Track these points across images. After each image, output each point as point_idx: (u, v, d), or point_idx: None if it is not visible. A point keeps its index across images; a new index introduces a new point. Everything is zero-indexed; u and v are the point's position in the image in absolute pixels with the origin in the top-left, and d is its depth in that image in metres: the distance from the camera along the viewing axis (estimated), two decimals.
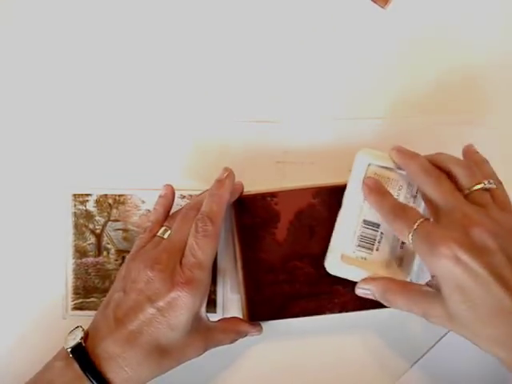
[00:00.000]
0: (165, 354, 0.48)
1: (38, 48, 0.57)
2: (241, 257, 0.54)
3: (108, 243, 0.57)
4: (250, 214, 0.54)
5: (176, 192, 0.55)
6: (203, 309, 0.50)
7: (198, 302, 0.48)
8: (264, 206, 0.54)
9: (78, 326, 0.49)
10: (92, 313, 0.56)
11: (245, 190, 0.55)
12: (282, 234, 0.54)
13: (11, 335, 0.57)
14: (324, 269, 0.53)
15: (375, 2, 0.57)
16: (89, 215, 0.57)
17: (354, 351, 0.57)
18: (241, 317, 0.55)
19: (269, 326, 0.56)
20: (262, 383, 0.57)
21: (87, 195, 0.57)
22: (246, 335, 0.54)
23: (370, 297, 0.51)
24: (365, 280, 0.51)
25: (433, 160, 0.50)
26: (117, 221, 0.57)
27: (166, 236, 0.51)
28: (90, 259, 0.57)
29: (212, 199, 0.50)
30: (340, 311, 0.54)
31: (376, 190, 0.51)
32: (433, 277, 0.47)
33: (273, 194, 0.54)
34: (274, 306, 0.54)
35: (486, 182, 0.48)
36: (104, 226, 0.57)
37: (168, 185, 0.54)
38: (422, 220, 0.47)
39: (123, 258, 0.56)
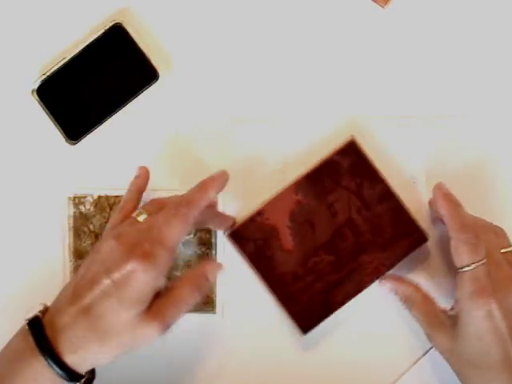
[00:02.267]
0: (110, 334, 0.45)
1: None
2: (264, 282, 0.54)
3: None
4: (249, 241, 0.54)
5: (176, 193, 0.55)
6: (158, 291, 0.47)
7: (152, 281, 0.45)
8: (257, 227, 0.54)
9: (41, 304, 0.48)
10: None
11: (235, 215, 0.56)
12: (287, 242, 0.54)
13: (11, 336, 0.56)
14: (342, 250, 0.54)
15: (375, 2, 0.56)
16: (87, 216, 0.56)
17: (353, 350, 0.56)
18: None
19: (269, 326, 0.56)
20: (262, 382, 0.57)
21: (85, 196, 0.56)
22: (207, 279, 0.49)
23: (390, 293, 0.54)
24: (396, 279, 0.54)
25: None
26: None
27: (140, 219, 0.48)
28: None
29: (197, 188, 0.49)
30: (378, 277, 0.54)
31: (451, 198, 0.51)
32: (456, 302, 0.50)
33: (259, 212, 0.54)
34: (318, 307, 0.54)
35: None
36: (102, 227, 0.56)
37: (143, 166, 0.53)
38: (484, 261, 0.49)
39: None
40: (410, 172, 0.57)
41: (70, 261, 0.56)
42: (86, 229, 0.56)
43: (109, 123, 0.56)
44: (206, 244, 0.56)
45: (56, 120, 0.55)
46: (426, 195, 0.56)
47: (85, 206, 0.56)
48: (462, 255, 0.49)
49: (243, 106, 0.57)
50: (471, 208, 0.56)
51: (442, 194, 0.51)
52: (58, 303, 0.47)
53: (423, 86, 0.57)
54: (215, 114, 0.57)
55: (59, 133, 0.55)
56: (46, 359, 0.44)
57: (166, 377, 0.57)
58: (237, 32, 0.57)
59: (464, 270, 0.49)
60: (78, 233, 0.56)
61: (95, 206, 0.56)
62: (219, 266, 0.51)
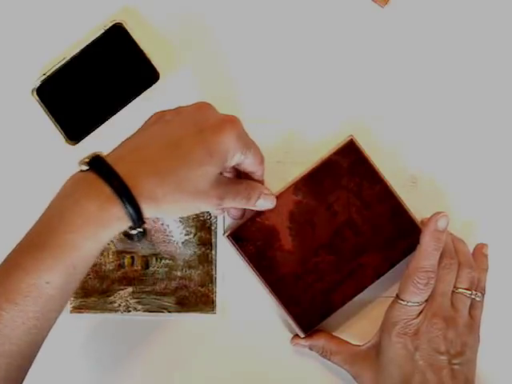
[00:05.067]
0: (189, 182, 0.44)
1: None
2: (265, 283, 0.54)
3: (107, 243, 0.56)
4: (250, 243, 0.54)
5: None
6: None
7: (235, 146, 0.46)
8: (257, 228, 0.54)
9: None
10: (91, 314, 0.56)
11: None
12: (288, 243, 0.54)
13: None
14: (342, 250, 0.54)
15: (375, 2, 0.57)
16: None
17: None
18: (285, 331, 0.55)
19: (269, 326, 0.56)
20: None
21: None
22: (258, 197, 0.51)
23: (307, 349, 0.55)
24: (305, 337, 0.55)
25: (454, 243, 0.53)
26: None
27: None
28: None
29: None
30: (378, 277, 0.54)
31: (436, 237, 0.51)
32: (382, 323, 0.52)
33: (259, 213, 0.54)
34: (319, 307, 0.54)
35: (474, 293, 0.52)
36: None
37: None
38: (422, 304, 0.50)
39: (122, 258, 0.56)
40: (409, 172, 0.57)
41: None
42: None
43: (109, 123, 0.56)
44: (206, 244, 0.56)
45: (56, 120, 0.55)
46: (425, 195, 0.56)
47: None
48: (405, 291, 0.50)
49: (244, 106, 0.57)
50: (471, 206, 0.56)
51: (432, 230, 0.51)
52: (124, 151, 0.44)
53: (423, 85, 0.57)
54: None
55: (59, 133, 0.55)
56: (122, 200, 0.41)
57: (166, 377, 0.57)
58: (237, 32, 0.57)
59: (399, 301, 0.51)
60: None
61: None
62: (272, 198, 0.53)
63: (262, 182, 0.53)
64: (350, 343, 0.55)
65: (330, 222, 0.54)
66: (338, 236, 0.54)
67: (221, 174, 0.48)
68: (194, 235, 0.56)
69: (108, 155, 0.44)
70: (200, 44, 0.57)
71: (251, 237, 0.54)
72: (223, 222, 0.56)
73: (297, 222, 0.54)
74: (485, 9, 0.57)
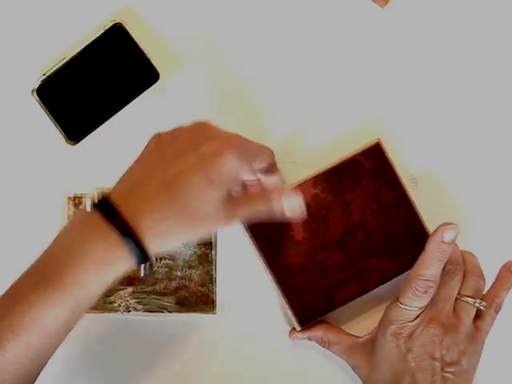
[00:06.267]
0: (193, 214, 0.43)
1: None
2: (270, 270, 0.54)
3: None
4: (262, 226, 0.54)
5: None
6: None
7: (237, 167, 0.44)
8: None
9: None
10: (91, 314, 0.56)
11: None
12: (298, 234, 0.54)
13: None
14: (352, 250, 0.54)
15: (375, 2, 0.57)
16: None
17: None
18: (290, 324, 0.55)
19: (269, 326, 0.56)
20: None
21: (83, 196, 0.56)
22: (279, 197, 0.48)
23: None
24: (302, 329, 0.55)
25: (463, 255, 0.53)
26: None
27: None
28: None
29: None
30: (383, 282, 0.54)
31: (440, 248, 0.50)
32: (380, 321, 0.52)
33: None
34: (319, 303, 0.54)
35: (478, 302, 0.51)
36: None
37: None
38: (422, 309, 0.50)
39: None
40: (410, 172, 0.57)
41: None
42: None
43: (109, 123, 0.56)
44: (206, 244, 0.56)
45: (56, 120, 0.55)
46: (426, 195, 0.56)
47: (84, 207, 0.56)
48: (404, 295, 0.50)
49: (244, 106, 0.57)
50: (472, 206, 0.56)
51: (438, 240, 0.50)
52: (126, 188, 0.45)
53: (423, 85, 0.57)
54: (215, 114, 0.57)
55: (59, 133, 0.55)
56: (126, 242, 0.42)
57: (166, 377, 0.57)
58: (238, 32, 0.57)
59: (398, 303, 0.50)
60: None
61: None
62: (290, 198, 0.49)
63: (279, 177, 0.52)
64: (349, 334, 0.55)
65: (344, 220, 0.54)
66: (350, 235, 0.54)
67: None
68: None
69: (111, 192, 0.44)
70: (200, 44, 0.57)
71: (263, 222, 0.53)
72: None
73: (311, 215, 0.53)
74: (485, 8, 0.57)
